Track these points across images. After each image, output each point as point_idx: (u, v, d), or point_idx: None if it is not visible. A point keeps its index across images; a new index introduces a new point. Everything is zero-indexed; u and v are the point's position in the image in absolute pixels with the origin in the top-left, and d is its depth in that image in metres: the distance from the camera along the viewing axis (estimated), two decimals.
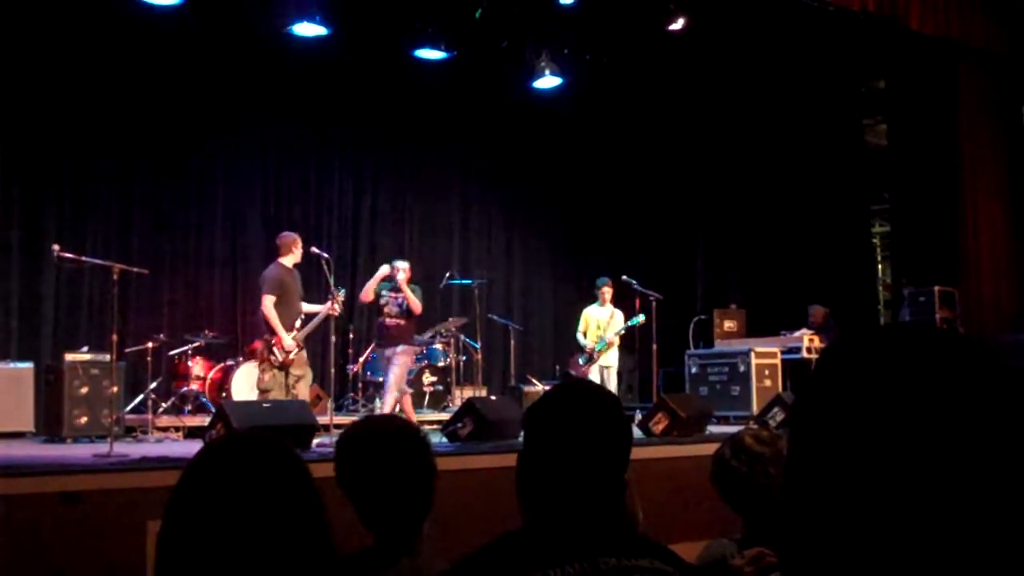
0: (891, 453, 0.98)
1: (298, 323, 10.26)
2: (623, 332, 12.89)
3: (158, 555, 1.65)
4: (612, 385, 12.65)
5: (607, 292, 13.00)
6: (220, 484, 1.64)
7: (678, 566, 2.11)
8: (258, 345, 10.23)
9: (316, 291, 13.13)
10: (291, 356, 10.03)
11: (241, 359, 12.09)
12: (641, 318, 12.81)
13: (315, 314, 10.45)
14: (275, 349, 9.97)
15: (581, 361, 12.95)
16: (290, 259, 10.38)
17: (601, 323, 12.88)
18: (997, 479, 0.97)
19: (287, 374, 10.04)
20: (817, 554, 1.03)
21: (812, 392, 1.07)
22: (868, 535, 0.99)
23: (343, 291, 10.85)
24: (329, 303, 10.45)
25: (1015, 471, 0.98)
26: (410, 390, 11.36)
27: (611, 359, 12.93)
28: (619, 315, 12.93)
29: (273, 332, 10.00)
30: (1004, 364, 1.03)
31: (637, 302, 13.08)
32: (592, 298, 13.27)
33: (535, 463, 2.17)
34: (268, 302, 10.03)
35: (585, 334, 12.96)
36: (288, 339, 10.03)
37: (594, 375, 12.61)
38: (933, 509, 0.96)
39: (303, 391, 10.19)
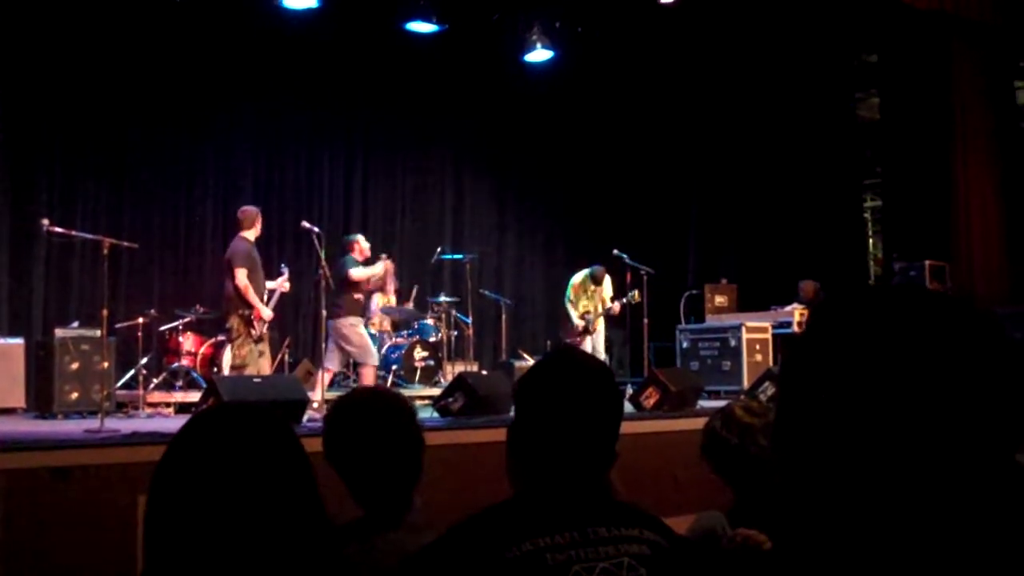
0: (878, 415, 0.97)
1: (265, 297, 10.29)
2: (624, 303, 12.87)
3: (146, 528, 1.63)
4: (600, 353, 12.68)
5: (603, 277, 13.01)
6: (209, 454, 1.62)
7: (667, 536, 2.10)
8: (233, 320, 10.17)
9: (307, 265, 13.14)
10: (264, 329, 10.06)
11: (233, 334, 12.05)
12: (636, 294, 12.80)
13: (273, 290, 10.52)
14: (255, 322, 9.96)
15: (570, 333, 12.99)
16: (252, 233, 10.34)
17: (590, 289, 12.88)
18: (986, 445, 0.96)
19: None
20: (806, 517, 1.02)
21: (800, 353, 1.06)
22: (854, 498, 0.98)
23: (287, 269, 10.99)
24: (281, 279, 10.61)
25: (1004, 438, 0.97)
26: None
27: (600, 331, 12.97)
28: (608, 283, 12.97)
29: (250, 305, 9.97)
30: (993, 323, 1.02)
31: (628, 276, 13.07)
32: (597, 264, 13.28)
33: (526, 433, 2.16)
34: (242, 275, 9.96)
35: (573, 303, 12.95)
36: (267, 310, 10.06)
37: (585, 344, 12.67)
38: (920, 474, 0.96)
39: (265, 366, 10.20)
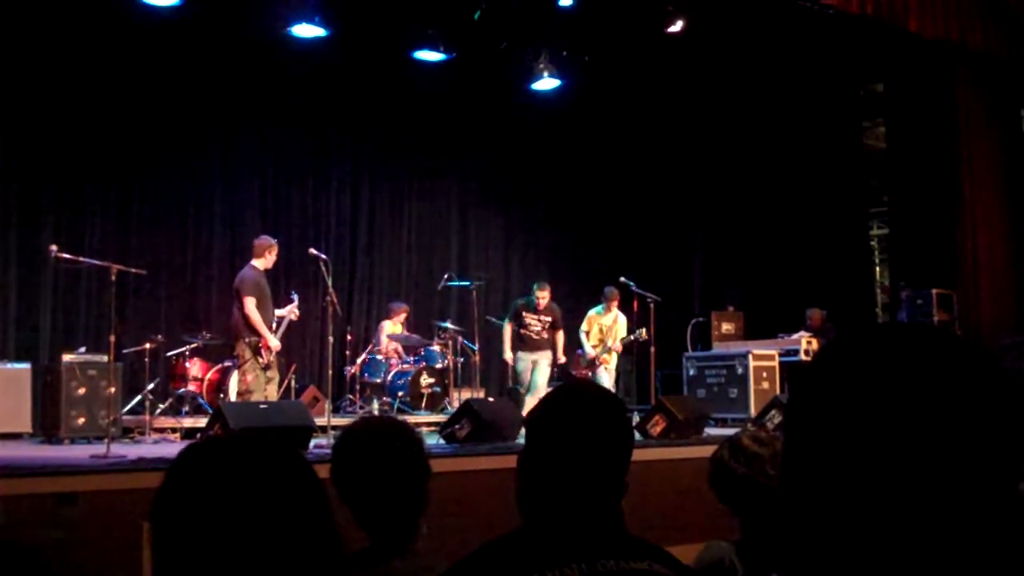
0: (884, 450, 0.98)
1: (274, 325, 10.28)
2: (626, 341, 12.88)
3: (154, 557, 1.62)
4: (609, 383, 12.66)
5: (615, 301, 12.95)
6: (216, 482, 1.61)
7: (676, 568, 2.10)
8: (240, 348, 10.17)
9: (314, 292, 13.15)
10: (272, 358, 10.05)
11: (239, 361, 12.06)
12: (643, 332, 12.77)
13: (282, 318, 10.51)
14: (262, 351, 9.96)
15: (583, 363, 12.97)
16: (262, 263, 10.34)
17: (604, 327, 12.86)
18: (989, 477, 0.97)
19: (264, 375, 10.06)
20: (813, 548, 1.03)
21: (808, 388, 1.07)
22: (861, 529, 0.98)
23: (296, 297, 10.97)
24: (290, 307, 10.61)
25: (1006, 469, 0.98)
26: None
27: (612, 363, 12.95)
28: (622, 320, 12.91)
29: (258, 334, 9.97)
30: (996, 362, 1.03)
31: (635, 304, 13.07)
32: (593, 298, 13.24)
33: (536, 464, 2.16)
34: (251, 304, 9.97)
35: (587, 334, 12.95)
36: (274, 339, 10.04)
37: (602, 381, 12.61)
38: (926, 505, 0.96)
39: (273, 392, 10.23)
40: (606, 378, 12.75)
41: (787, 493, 1.06)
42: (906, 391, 0.99)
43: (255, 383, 9.96)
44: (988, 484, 0.97)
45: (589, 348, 12.91)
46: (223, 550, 1.53)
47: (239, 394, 10.09)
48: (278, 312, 10.57)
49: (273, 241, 10.54)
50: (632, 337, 12.81)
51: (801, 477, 1.05)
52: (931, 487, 0.97)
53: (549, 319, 12.22)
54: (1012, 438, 0.99)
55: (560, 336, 12.31)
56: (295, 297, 10.94)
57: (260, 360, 9.96)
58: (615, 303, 12.94)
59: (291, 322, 10.87)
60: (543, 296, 12.23)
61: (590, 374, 12.77)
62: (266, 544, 1.55)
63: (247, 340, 10.01)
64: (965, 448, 0.97)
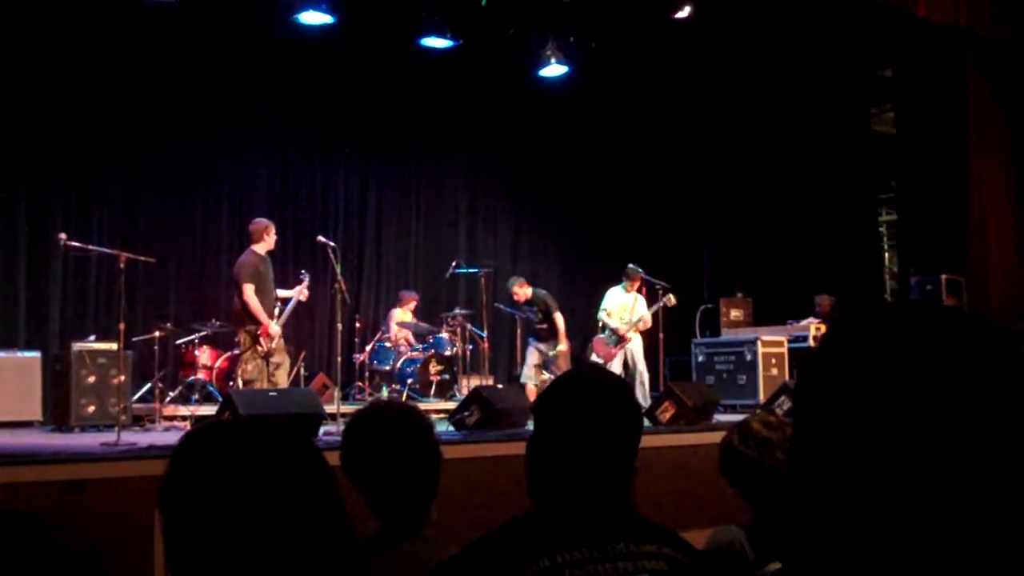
0: (894, 430, 0.98)
1: (275, 310, 10.24)
2: (655, 311, 12.69)
3: (167, 546, 1.61)
4: (640, 365, 12.53)
5: (637, 281, 12.74)
6: (226, 469, 1.60)
7: (686, 551, 2.11)
8: (241, 335, 10.16)
9: (323, 279, 13.16)
10: (274, 344, 10.01)
11: (240, 350, 12.06)
12: (671, 297, 12.62)
13: (288, 299, 10.45)
14: (261, 339, 9.93)
15: (609, 342, 12.67)
16: (262, 246, 10.29)
17: (626, 306, 12.71)
18: (1002, 460, 0.97)
19: (267, 362, 10.01)
20: (820, 534, 1.02)
21: (816, 370, 1.07)
22: (870, 515, 0.98)
23: (307, 276, 10.86)
24: (299, 288, 10.49)
25: (1019, 444, 0.97)
26: None
27: (637, 341, 12.74)
28: (642, 301, 12.81)
29: (257, 321, 9.93)
30: (1007, 339, 1.02)
31: (644, 290, 13.03)
32: (602, 284, 13.11)
33: (545, 448, 2.17)
34: (249, 291, 9.91)
35: (609, 313, 12.74)
36: (274, 326, 9.98)
37: (619, 359, 12.51)
38: (936, 487, 0.96)
39: (282, 378, 10.16)
40: (635, 358, 12.59)
41: (795, 478, 1.06)
42: (915, 372, 0.99)
43: (256, 371, 9.92)
44: (1002, 468, 0.97)
45: (618, 324, 12.63)
46: (232, 535, 1.52)
47: (243, 383, 10.06)
48: (286, 293, 10.51)
49: (269, 222, 10.49)
50: (661, 304, 12.62)
51: (809, 462, 1.04)
52: (942, 473, 0.96)
53: (536, 308, 12.44)
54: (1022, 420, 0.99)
55: (557, 319, 12.47)
56: (305, 277, 10.75)
57: (260, 348, 9.91)
58: (637, 283, 12.77)
59: (300, 303, 10.78)
60: (516, 293, 12.50)
61: (616, 355, 12.57)
62: (276, 529, 1.54)
63: (247, 328, 9.99)
64: (977, 432, 0.97)
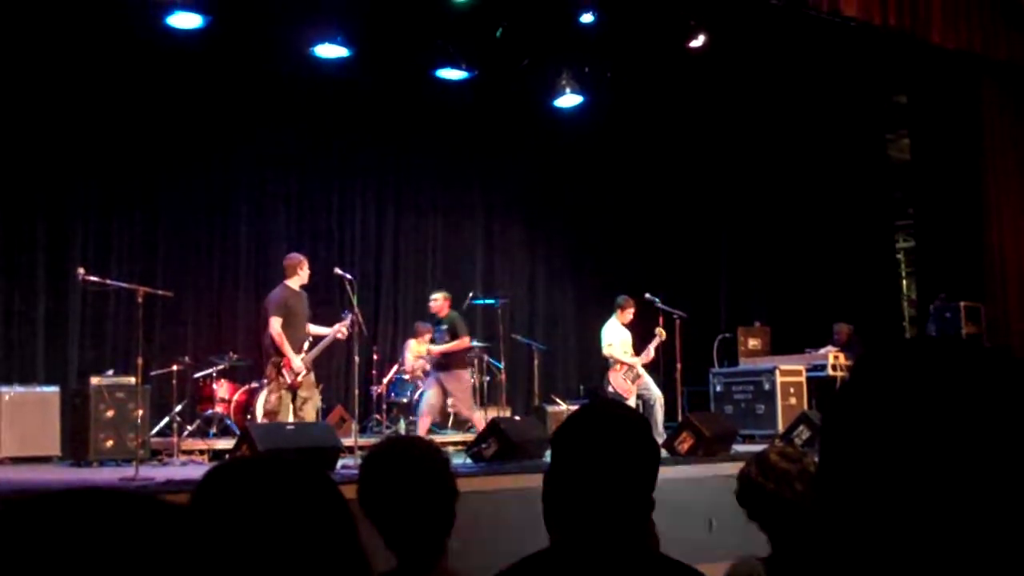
0: (921, 466, 0.97)
1: (306, 345, 10.21)
2: (657, 343, 12.58)
3: None
4: (654, 389, 12.44)
5: (628, 310, 12.60)
6: (242, 506, 1.60)
7: None
8: (268, 369, 10.16)
9: (339, 311, 13.17)
10: (299, 378, 10.00)
11: (266, 381, 12.09)
12: (661, 332, 12.48)
13: (323, 336, 10.41)
14: (284, 371, 9.93)
15: (627, 378, 12.41)
16: (296, 281, 10.27)
17: (626, 339, 12.63)
18: None
19: (294, 396, 9.98)
20: (850, 567, 1.02)
21: (843, 402, 1.06)
22: (898, 547, 0.97)
23: (349, 315, 10.76)
24: (338, 326, 10.40)
25: None
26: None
27: (651, 386, 12.53)
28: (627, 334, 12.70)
29: (282, 354, 9.93)
30: None
31: (661, 320, 12.99)
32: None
33: (562, 483, 2.16)
34: (276, 324, 9.91)
35: (611, 345, 12.46)
36: (297, 360, 9.96)
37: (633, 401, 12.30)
38: (966, 521, 0.95)
39: (310, 413, 10.12)
40: (643, 386, 12.47)
41: (821, 511, 1.06)
42: (941, 405, 0.98)
43: (280, 404, 9.91)
44: None
45: (631, 359, 12.42)
46: (250, 571, 1.53)
47: (265, 414, 10.07)
48: (322, 330, 10.44)
49: (302, 257, 10.48)
50: (654, 341, 12.53)
51: (836, 495, 1.04)
52: (970, 508, 0.95)
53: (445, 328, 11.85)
54: None
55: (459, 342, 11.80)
56: (347, 316, 10.48)
57: (283, 380, 9.92)
58: (627, 314, 12.58)
59: (337, 341, 10.69)
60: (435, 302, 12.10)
61: (633, 391, 12.45)
62: (293, 566, 1.54)
63: (273, 360, 10.02)
64: (1005, 465, 0.96)
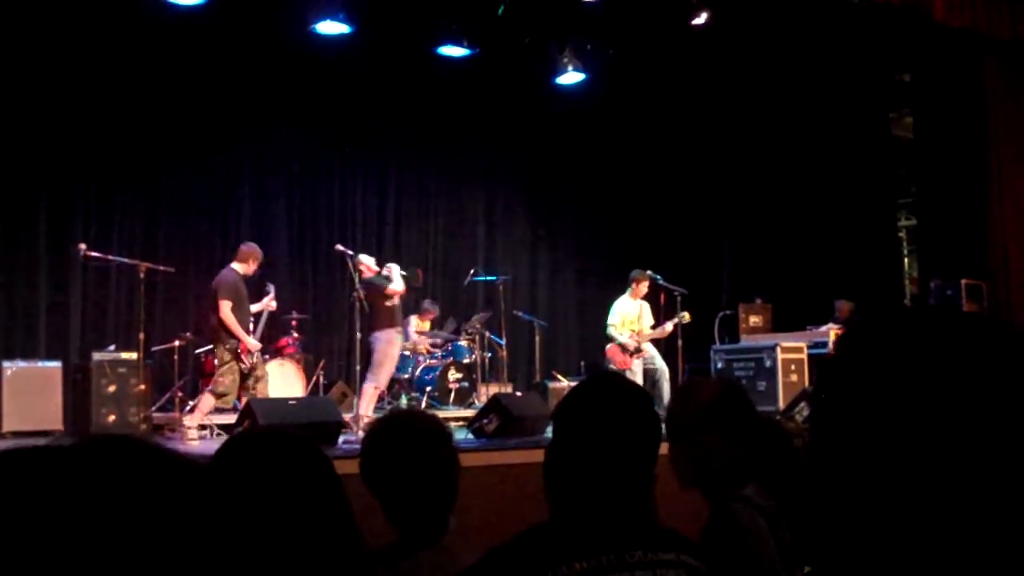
0: (912, 435, 0.97)
1: (251, 325, 10.30)
2: (676, 323, 12.58)
3: None
4: (660, 364, 12.49)
5: (640, 284, 12.67)
6: (240, 479, 1.61)
7: (704, 559, 2.10)
8: (219, 350, 10.10)
9: (341, 288, 13.20)
10: (255, 359, 10.04)
11: (267, 357, 12.11)
12: (685, 315, 12.54)
13: (260, 314, 10.51)
14: (243, 355, 9.93)
15: (624, 353, 12.51)
16: (244, 268, 10.32)
17: (632, 315, 12.67)
18: (1020, 464, 0.96)
19: (245, 377, 9.99)
20: (843, 535, 1.02)
21: (833, 375, 1.06)
22: (891, 515, 0.98)
23: (273, 288, 10.92)
24: (266, 299, 10.64)
25: None
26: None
27: (657, 359, 12.61)
28: (647, 308, 12.78)
29: (235, 337, 9.93)
30: None
31: (663, 297, 12.99)
32: (620, 292, 13.03)
33: (564, 456, 2.17)
34: (226, 307, 9.91)
35: (615, 326, 12.59)
36: (252, 341, 10.01)
37: (638, 366, 12.40)
38: (957, 490, 0.95)
39: (263, 390, 10.11)
40: (650, 362, 12.53)
41: (813, 483, 1.06)
42: (935, 375, 0.98)
43: (231, 385, 9.90)
44: (1019, 471, 0.96)
45: (626, 339, 12.57)
46: (240, 546, 1.53)
47: (216, 396, 9.90)
48: (254, 307, 10.58)
49: (259, 252, 10.55)
50: (676, 320, 12.57)
51: (827, 467, 1.04)
52: (963, 479, 0.96)
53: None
54: None
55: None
56: (271, 289, 10.86)
57: (242, 364, 9.93)
58: (642, 289, 12.66)
59: (272, 313, 10.95)
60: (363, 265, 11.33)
61: (632, 363, 12.49)
62: (283, 541, 1.55)
63: (226, 344, 9.98)
64: (998, 435, 0.96)
